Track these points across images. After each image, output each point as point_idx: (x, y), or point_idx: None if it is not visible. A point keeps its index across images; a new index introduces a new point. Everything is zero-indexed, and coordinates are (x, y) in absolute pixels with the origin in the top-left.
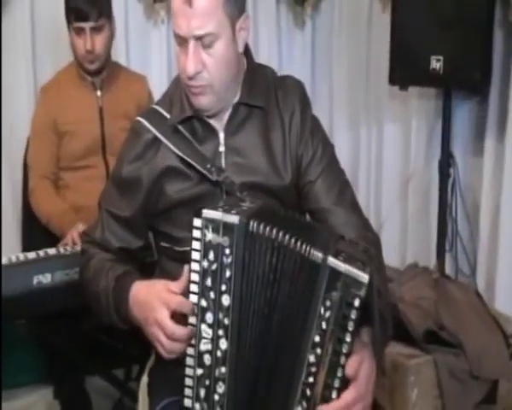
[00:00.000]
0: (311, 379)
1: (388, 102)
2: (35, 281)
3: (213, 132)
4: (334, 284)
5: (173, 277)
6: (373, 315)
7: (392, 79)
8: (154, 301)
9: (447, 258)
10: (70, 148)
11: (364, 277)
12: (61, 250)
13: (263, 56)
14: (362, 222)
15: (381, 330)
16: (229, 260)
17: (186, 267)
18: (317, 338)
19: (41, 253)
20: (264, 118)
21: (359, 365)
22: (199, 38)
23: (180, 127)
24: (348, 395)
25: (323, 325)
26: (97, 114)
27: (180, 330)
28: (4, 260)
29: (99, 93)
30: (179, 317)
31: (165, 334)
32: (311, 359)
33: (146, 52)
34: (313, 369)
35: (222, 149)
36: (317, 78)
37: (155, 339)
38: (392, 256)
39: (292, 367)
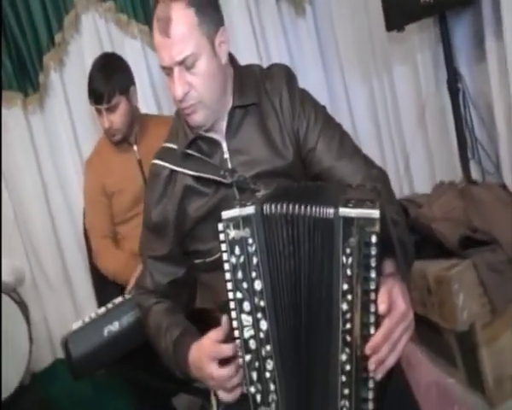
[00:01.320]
0: (348, 325)
1: (393, 47)
2: (105, 332)
3: (216, 144)
4: (350, 230)
5: (211, 287)
6: (392, 244)
7: (389, 25)
8: (203, 360)
9: (472, 166)
10: (120, 204)
11: (375, 213)
12: (126, 296)
13: (272, 51)
14: (364, 163)
15: (402, 254)
16: (254, 247)
17: (224, 318)
18: (346, 286)
19: (109, 305)
20: (258, 112)
21: (389, 293)
22: (181, 63)
23: (188, 151)
24: (387, 322)
25: (348, 272)
26: (137, 167)
27: (229, 370)
28: (79, 324)
29: (135, 148)
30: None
31: (220, 382)
32: (344, 307)
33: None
34: (348, 315)
35: (226, 155)
36: (326, 54)
37: (217, 388)
38: (422, 182)
39: (328, 322)
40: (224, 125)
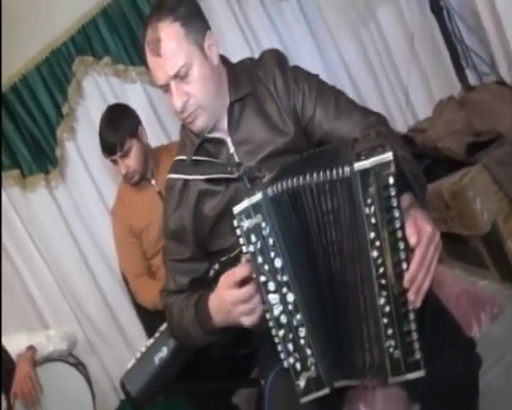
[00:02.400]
0: (381, 270)
1: None
2: (156, 361)
3: (221, 142)
4: (367, 181)
5: None
6: (406, 179)
7: None
8: (222, 294)
9: (468, 74)
10: (149, 239)
11: (388, 155)
12: None
13: (263, 42)
14: (361, 115)
15: (416, 185)
16: (268, 230)
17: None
18: (372, 234)
19: (156, 334)
20: (255, 100)
21: (414, 223)
22: (176, 76)
23: (196, 158)
24: (418, 249)
25: (373, 220)
26: (158, 198)
27: (247, 288)
28: (132, 362)
29: (153, 181)
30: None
31: (241, 303)
32: (375, 254)
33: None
34: (379, 260)
35: (232, 149)
36: (314, 26)
37: (238, 315)
38: (424, 109)
39: (361, 274)
40: (225, 122)
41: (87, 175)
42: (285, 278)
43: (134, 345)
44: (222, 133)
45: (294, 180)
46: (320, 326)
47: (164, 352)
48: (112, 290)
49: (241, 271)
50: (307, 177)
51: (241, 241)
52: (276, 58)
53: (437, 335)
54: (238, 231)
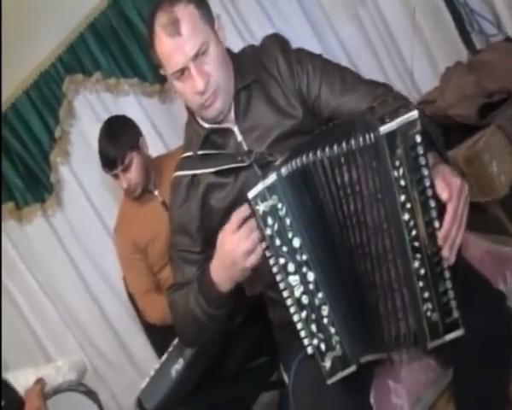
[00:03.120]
0: (413, 232)
1: None
2: (173, 373)
3: (229, 132)
4: (394, 143)
5: (254, 270)
6: (430, 136)
7: None
8: (222, 248)
9: (475, 39)
10: (155, 251)
11: (414, 113)
12: None
13: (257, 32)
14: (368, 88)
15: (439, 142)
16: (284, 210)
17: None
18: (403, 197)
19: (170, 348)
20: (260, 86)
21: (443, 178)
22: (195, 56)
23: (203, 152)
24: (449, 204)
25: (402, 183)
26: (163, 209)
27: (244, 227)
28: (146, 380)
29: (156, 192)
30: None
31: (241, 243)
32: (406, 217)
33: (174, 125)
34: (411, 223)
35: (240, 138)
36: (309, 10)
37: (241, 259)
38: (430, 83)
39: (391, 242)
40: (231, 110)
41: (85, 198)
42: (304, 257)
43: (143, 370)
44: (229, 123)
45: (306, 157)
46: (343, 302)
47: (180, 363)
48: (117, 315)
49: (239, 212)
50: (318, 152)
51: (257, 226)
52: (277, 42)
53: (466, 289)
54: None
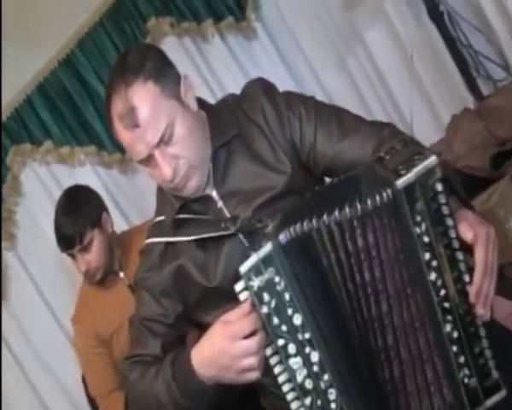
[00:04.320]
0: (442, 292)
1: (355, 11)
2: None
3: (207, 198)
4: (413, 197)
5: None
6: (449, 181)
7: None
8: (220, 345)
9: (481, 84)
10: (121, 342)
11: (432, 160)
12: None
13: (231, 89)
14: (372, 128)
15: (458, 185)
16: (282, 284)
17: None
18: (428, 255)
19: None
20: (243, 141)
21: (467, 221)
22: (159, 143)
23: (180, 216)
24: (478, 254)
25: (426, 239)
26: (129, 293)
27: (258, 337)
28: None
29: (122, 274)
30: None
31: (249, 356)
32: (433, 277)
33: (137, 199)
34: (439, 282)
35: (220, 204)
36: (291, 63)
37: (242, 371)
38: (435, 131)
39: (417, 308)
40: (210, 174)
41: (34, 289)
42: (307, 336)
43: None
44: (207, 189)
45: (309, 222)
46: (353, 384)
47: None
48: None
49: (246, 325)
50: (325, 216)
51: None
52: (261, 85)
53: (497, 348)
54: (246, 294)
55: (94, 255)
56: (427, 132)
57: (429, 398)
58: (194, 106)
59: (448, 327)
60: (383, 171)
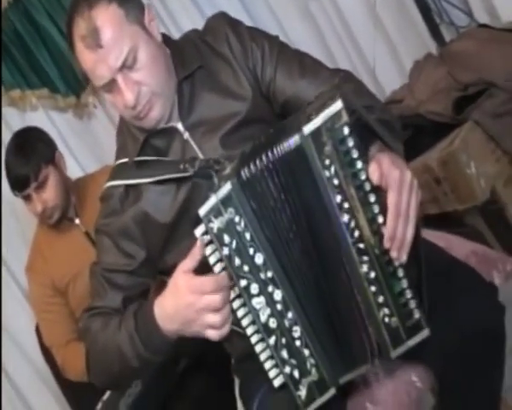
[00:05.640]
0: (356, 234)
1: None
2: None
3: (173, 131)
4: (321, 141)
5: None
6: (372, 129)
7: None
8: (183, 297)
9: (444, 31)
10: (78, 291)
11: (336, 104)
12: None
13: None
14: (330, 73)
15: (387, 133)
16: (243, 223)
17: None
18: (338, 197)
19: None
20: (207, 73)
21: (378, 165)
22: (122, 67)
23: (140, 158)
24: (389, 197)
25: (335, 182)
26: (86, 240)
27: (215, 278)
28: None
29: (77, 221)
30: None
31: (213, 311)
32: (345, 218)
33: (93, 145)
34: (352, 223)
35: (186, 135)
36: (252, 8)
37: (206, 325)
38: (398, 77)
39: (336, 244)
40: (175, 106)
41: None
42: (269, 274)
43: None
44: (172, 121)
45: (260, 161)
46: (315, 319)
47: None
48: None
49: (210, 281)
50: (265, 157)
51: (211, 249)
52: (225, 19)
53: (453, 284)
54: (206, 238)
55: (50, 193)
56: (389, 78)
57: (359, 335)
58: (158, 36)
59: (365, 267)
60: (303, 115)
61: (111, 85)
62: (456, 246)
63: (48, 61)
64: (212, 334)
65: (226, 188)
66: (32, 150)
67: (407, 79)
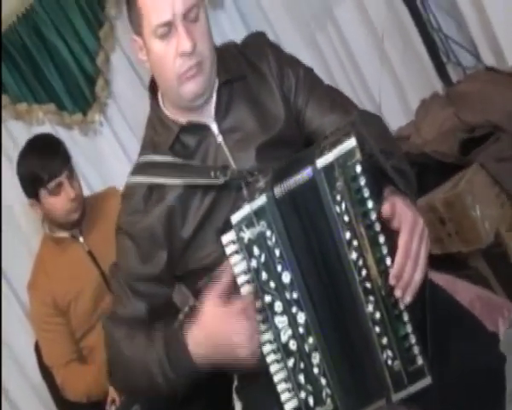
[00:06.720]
0: (363, 272)
1: None
2: None
3: (205, 130)
4: (333, 176)
5: None
6: (387, 174)
7: None
8: (215, 323)
9: (451, 70)
10: (79, 311)
11: (351, 142)
12: (113, 408)
13: None
14: (356, 113)
15: (402, 181)
16: (274, 239)
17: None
18: (348, 234)
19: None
20: (245, 85)
21: (392, 206)
22: (185, 17)
23: (173, 160)
24: (400, 239)
25: (346, 219)
26: (89, 260)
27: (245, 304)
28: None
29: (82, 240)
30: None
31: (240, 333)
32: (354, 256)
33: (100, 163)
34: (360, 262)
35: (220, 139)
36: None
37: (235, 349)
38: (403, 114)
39: (346, 281)
40: (212, 106)
41: None
42: (295, 295)
43: None
44: (207, 119)
45: (294, 180)
46: (334, 349)
47: None
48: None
49: (241, 302)
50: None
51: (238, 258)
52: (266, 38)
53: (455, 329)
54: (233, 247)
55: (78, 183)
56: (394, 114)
57: (372, 370)
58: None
59: (370, 307)
60: (317, 149)
61: (168, 29)
62: (461, 290)
63: (55, 76)
64: (243, 358)
65: (261, 200)
66: (58, 146)
67: (412, 115)
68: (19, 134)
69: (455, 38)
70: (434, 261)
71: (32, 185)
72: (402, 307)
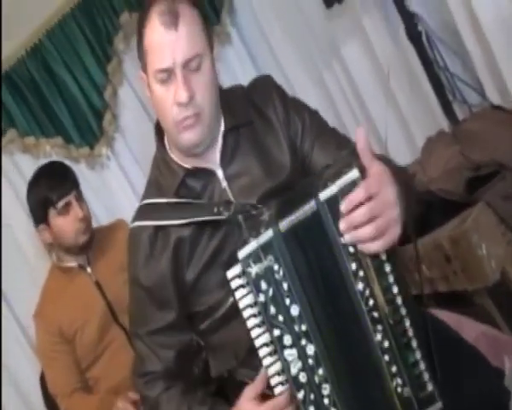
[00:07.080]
0: (371, 302)
1: (334, 24)
2: None
3: (210, 175)
4: (337, 207)
5: (225, 346)
6: None
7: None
8: None
9: (457, 109)
10: (85, 340)
11: (353, 172)
12: None
13: None
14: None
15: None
16: (281, 273)
17: (261, 372)
18: (354, 265)
19: None
20: (252, 131)
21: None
22: (186, 64)
23: (177, 200)
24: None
25: (351, 249)
26: (96, 290)
27: (280, 404)
28: None
29: (89, 270)
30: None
31: None
32: (360, 287)
33: (107, 197)
34: (367, 292)
35: (224, 184)
36: (264, 66)
37: None
38: (409, 152)
39: (353, 310)
40: (217, 151)
41: None
42: (303, 328)
43: None
44: (212, 165)
45: (298, 213)
46: (344, 379)
47: None
48: None
49: (278, 402)
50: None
51: (245, 292)
52: (272, 83)
53: (460, 363)
54: (240, 281)
55: (85, 205)
56: (400, 152)
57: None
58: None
59: (379, 336)
60: (319, 181)
61: (167, 75)
62: (467, 328)
63: (63, 110)
64: None
65: (267, 235)
66: (66, 170)
67: (418, 153)
68: (26, 167)
69: (461, 76)
70: (440, 299)
71: (42, 207)
72: (410, 334)
